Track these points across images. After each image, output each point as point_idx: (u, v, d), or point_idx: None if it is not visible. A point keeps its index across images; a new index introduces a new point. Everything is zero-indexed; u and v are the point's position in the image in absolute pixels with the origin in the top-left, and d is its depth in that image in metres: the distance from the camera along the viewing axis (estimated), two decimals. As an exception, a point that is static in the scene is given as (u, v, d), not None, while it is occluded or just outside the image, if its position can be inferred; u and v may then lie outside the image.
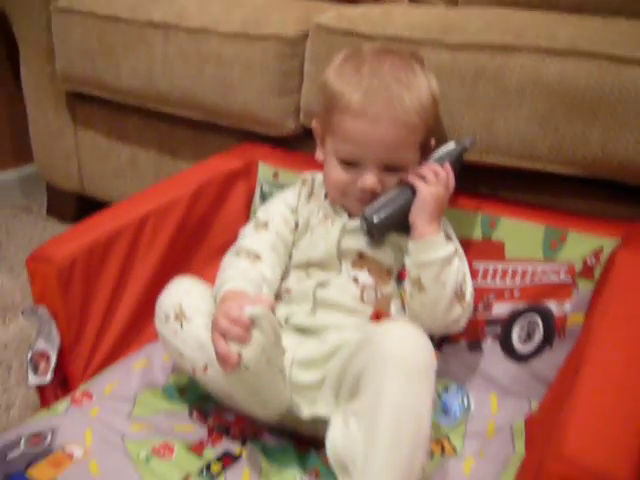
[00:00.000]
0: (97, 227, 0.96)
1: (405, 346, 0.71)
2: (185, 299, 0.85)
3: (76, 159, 1.60)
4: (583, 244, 0.89)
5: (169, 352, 0.87)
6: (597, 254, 0.88)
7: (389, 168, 0.86)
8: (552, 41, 0.90)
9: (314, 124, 0.95)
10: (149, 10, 1.27)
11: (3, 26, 1.69)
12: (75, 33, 1.39)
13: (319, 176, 0.96)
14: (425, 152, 0.90)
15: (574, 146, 0.89)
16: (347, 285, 0.87)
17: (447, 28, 0.97)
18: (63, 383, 0.92)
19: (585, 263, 0.88)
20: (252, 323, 0.70)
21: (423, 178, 0.86)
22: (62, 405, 0.85)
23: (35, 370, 0.90)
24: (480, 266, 0.94)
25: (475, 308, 0.92)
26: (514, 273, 0.93)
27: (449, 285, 0.83)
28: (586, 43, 0.88)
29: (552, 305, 0.90)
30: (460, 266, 0.86)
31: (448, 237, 0.87)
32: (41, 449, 0.76)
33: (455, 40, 0.95)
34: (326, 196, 0.94)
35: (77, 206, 1.71)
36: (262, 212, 0.96)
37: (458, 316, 0.85)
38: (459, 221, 0.95)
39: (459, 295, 0.85)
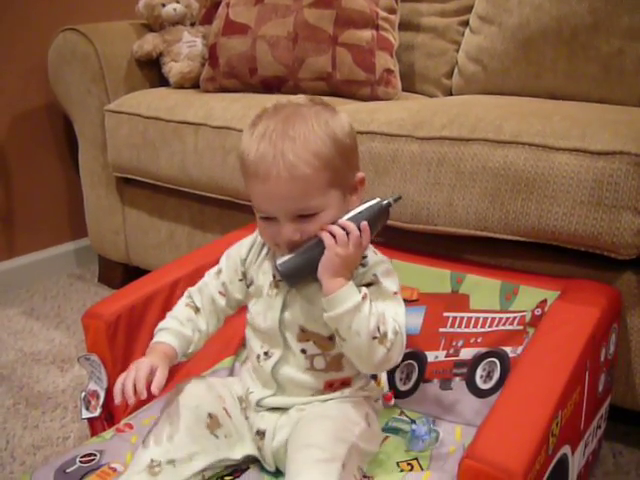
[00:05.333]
0: (137, 290, 1.14)
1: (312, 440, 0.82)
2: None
3: (123, 234, 1.78)
4: (531, 297, 1.05)
5: None
6: (542, 305, 1.03)
7: (302, 217, 0.84)
8: (498, 134, 1.08)
9: None
10: (183, 111, 1.50)
11: (66, 124, 1.93)
12: (123, 130, 1.61)
13: None
14: (348, 188, 0.87)
15: (517, 218, 1.06)
16: (298, 358, 0.91)
17: (417, 124, 1.17)
18: (109, 417, 1.07)
19: (533, 313, 1.04)
20: None
21: (335, 236, 0.83)
22: (108, 434, 1.00)
23: (87, 406, 1.07)
24: (450, 315, 1.11)
25: (446, 353, 1.08)
26: (477, 321, 1.09)
27: (363, 332, 0.82)
28: (525, 135, 1.06)
29: (508, 349, 1.04)
30: (372, 310, 0.83)
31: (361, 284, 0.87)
32: (92, 465, 0.92)
33: (423, 134, 1.15)
34: None
35: (124, 274, 1.85)
36: (224, 257, 0.99)
37: (383, 355, 0.84)
38: (433, 278, 1.12)
39: (378, 337, 0.83)
